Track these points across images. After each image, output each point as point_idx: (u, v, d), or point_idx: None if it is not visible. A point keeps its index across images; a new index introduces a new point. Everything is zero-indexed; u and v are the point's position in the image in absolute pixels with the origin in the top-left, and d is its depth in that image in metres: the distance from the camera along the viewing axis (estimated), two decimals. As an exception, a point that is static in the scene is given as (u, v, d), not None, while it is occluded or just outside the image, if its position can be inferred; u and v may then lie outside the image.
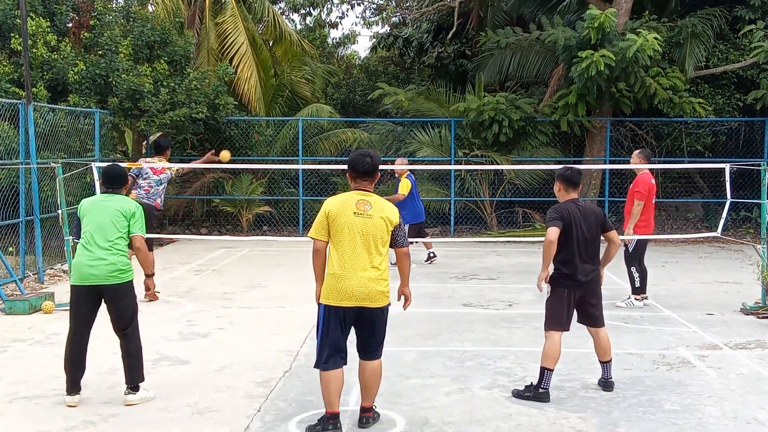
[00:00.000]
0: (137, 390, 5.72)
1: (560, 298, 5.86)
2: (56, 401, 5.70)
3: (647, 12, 16.39)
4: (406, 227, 9.68)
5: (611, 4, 16.17)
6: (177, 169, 10.65)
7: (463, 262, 12.81)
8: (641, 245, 9.12)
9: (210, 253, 13.74)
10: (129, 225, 5.76)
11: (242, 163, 15.96)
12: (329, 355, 5.04)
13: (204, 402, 5.73)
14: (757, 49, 14.82)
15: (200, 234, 16.43)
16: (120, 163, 6.58)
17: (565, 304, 5.86)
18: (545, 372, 5.82)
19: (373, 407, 5.29)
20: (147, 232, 6.01)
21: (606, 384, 6.11)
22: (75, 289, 5.69)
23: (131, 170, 9.55)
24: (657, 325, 8.25)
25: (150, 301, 8.86)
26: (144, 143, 16.43)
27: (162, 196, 9.90)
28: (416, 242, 12.24)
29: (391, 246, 5.16)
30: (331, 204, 5.12)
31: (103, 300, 5.73)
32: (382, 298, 5.08)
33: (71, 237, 5.44)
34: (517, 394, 5.86)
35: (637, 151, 9.43)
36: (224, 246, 14.62)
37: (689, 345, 7.43)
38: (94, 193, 8.60)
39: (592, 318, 6.05)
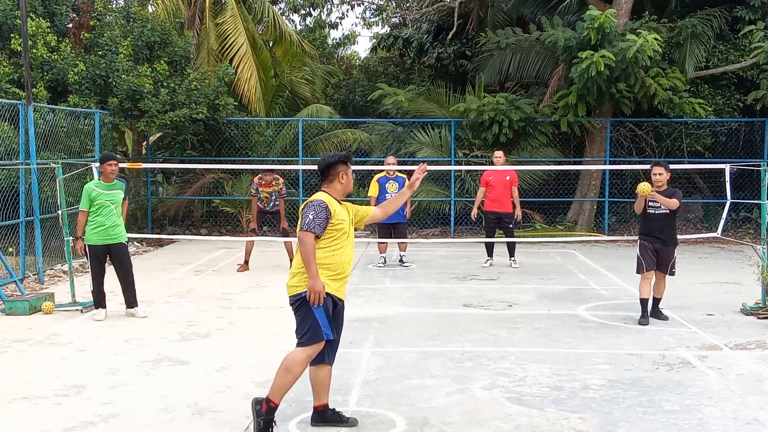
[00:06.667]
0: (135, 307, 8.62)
1: (644, 249, 8.34)
2: (56, 401, 5.70)
3: (647, 12, 16.39)
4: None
5: (611, 4, 16.17)
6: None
7: (463, 262, 12.81)
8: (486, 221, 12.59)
9: (210, 254, 13.74)
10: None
11: (242, 163, 15.97)
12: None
13: (204, 402, 5.72)
14: (757, 49, 14.82)
15: (200, 234, 16.43)
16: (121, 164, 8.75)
17: (647, 253, 8.32)
18: (640, 302, 8.36)
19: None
20: None
21: (655, 314, 8.42)
22: (94, 247, 8.36)
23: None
24: (657, 325, 8.25)
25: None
26: (144, 144, 16.44)
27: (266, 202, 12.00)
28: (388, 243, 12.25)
29: None
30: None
31: (109, 253, 8.44)
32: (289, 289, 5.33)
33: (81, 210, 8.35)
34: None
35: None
36: (224, 246, 14.62)
37: (689, 345, 7.43)
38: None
39: (663, 265, 8.34)
